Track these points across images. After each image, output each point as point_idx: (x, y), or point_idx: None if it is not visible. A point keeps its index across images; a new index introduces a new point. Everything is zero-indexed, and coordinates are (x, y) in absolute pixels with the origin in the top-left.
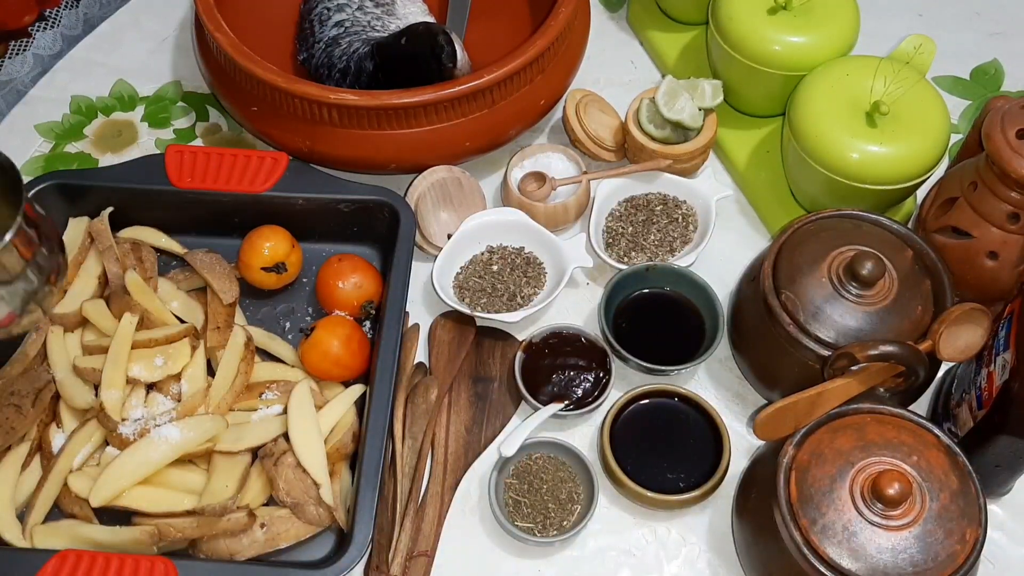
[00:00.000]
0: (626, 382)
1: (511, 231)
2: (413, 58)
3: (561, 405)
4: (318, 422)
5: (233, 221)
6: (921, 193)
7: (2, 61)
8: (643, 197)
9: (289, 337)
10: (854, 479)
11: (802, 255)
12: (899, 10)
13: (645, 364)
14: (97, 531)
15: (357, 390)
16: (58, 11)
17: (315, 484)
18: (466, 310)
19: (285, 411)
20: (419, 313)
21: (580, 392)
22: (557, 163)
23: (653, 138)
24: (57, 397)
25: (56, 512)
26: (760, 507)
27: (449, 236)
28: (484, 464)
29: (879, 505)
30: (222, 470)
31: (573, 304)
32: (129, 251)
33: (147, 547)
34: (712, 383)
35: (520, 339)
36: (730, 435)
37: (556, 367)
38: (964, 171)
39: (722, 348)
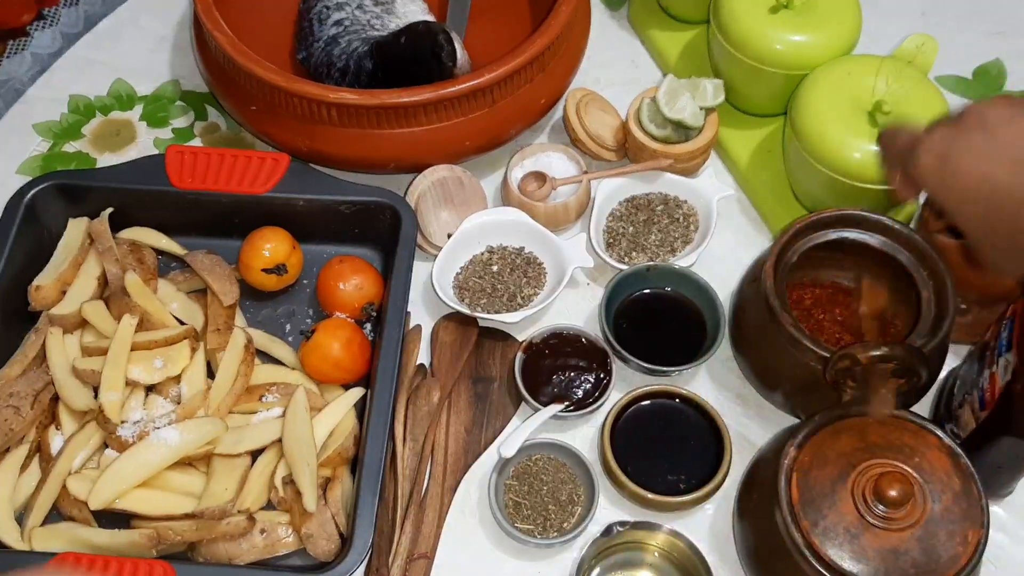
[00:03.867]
0: (627, 383)
1: (511, 231)
2: (413, 57)
3: (561, 406)
4: (313, 435)
5: (233, 222)
6: (923, 193)
7: (0, 60)
8: (644, 197)
9: (289, 339)
10: (856, 481)
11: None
12: (901, 9)
13: (646, 365)
14: (96, 534)
15: (356, 394)
16: (57, 10)
17: (332, 519)
18: (466, 310)
19: (284, 414)
20: (418, 313)
21: (580, 393)
22: (557, 163)
23: (654, 137)
24: (56, 399)
25: (55, 514)
26: (761, 509)
27: (449, 236)
28: (484, 465)
29: (881, 507)
30: (221, 473)
31: (573, 304)
32: (129, 252)
33: (146, 550)
34: (713, 384)
35: (520, 340)
36: (731, 436)
37: (556, 368)
38: None
39: (723, 349)
